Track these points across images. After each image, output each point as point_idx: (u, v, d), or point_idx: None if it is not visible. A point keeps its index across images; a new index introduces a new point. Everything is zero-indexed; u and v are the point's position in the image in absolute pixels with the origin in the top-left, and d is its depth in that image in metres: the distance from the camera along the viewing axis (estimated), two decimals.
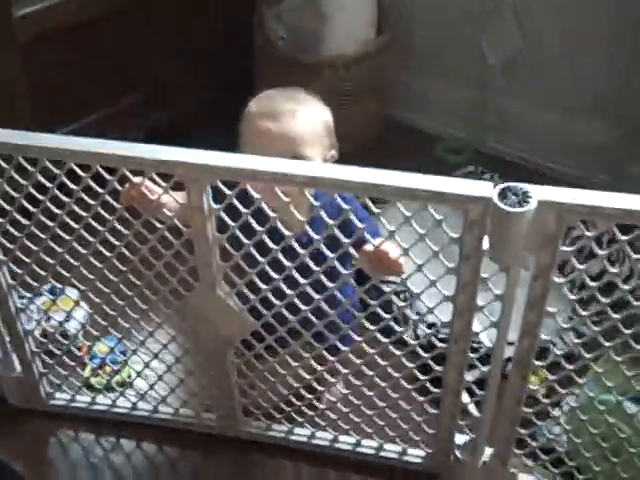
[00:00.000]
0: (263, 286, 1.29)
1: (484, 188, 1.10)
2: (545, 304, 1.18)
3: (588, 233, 1.10)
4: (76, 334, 1.66)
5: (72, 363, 1.56)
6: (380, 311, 1.26)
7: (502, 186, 1.09)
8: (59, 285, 1.47)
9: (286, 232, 1.21)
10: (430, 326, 1.65)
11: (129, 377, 1.63)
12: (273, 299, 1.29)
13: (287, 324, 1.31)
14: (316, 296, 1.26)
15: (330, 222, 1.17)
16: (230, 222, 1.23)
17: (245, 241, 1.23)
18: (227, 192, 1.19)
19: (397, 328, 1.30)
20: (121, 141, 1.20)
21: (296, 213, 1.18)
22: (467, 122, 2.50)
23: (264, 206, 1.19)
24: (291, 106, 1.39)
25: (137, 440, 1.58)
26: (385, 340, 1.31)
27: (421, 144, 2.51)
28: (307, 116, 1.39)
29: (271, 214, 1.20)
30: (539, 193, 1.08)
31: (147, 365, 1.53)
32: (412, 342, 1.33)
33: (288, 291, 1.27)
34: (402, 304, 1.70)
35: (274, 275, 1.26)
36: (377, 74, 2.43)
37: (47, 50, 1.98)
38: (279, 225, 1.20)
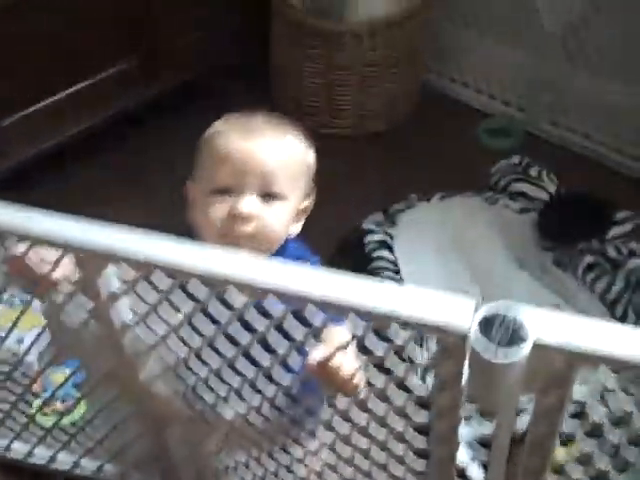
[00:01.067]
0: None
1: (461, 315, 0.77)
2: (552, 444, 0.87)
3: None
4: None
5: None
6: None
7: (486, 314, 0.76)
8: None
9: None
10: None
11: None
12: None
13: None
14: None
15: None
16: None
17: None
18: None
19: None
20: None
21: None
22: (517, 97, 2.11)
23: None
24: (276, 130, 1.10)
25: None
26: None
27: (462, 121, 2.14)
28: (294, 147, 1.11)
29: None
30: (537, 330, 0.74)
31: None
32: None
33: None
34: None
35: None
36: (411, 39, 2.06)
37: None
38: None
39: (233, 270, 0.83)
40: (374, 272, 1.60)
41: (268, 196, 1.07)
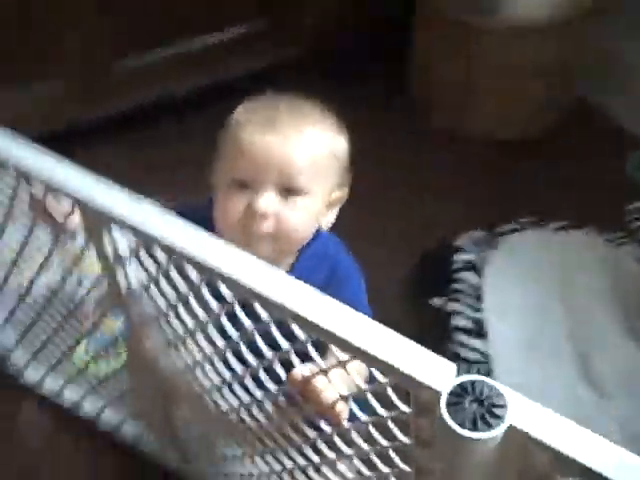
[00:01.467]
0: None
1: (437, 373, 0.67)
2: None
3: None
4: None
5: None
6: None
7: (463, 379, 0.66)
8: None
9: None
10: None
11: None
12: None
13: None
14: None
15: None
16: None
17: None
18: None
19: None
20: None
21: None
22: None
23: None
24: (298, 120, 1.01)
25: None
26: None
27: (612, 146, 1.93)
28: (317, 138, 1.01)
29: None
30: (515, 410, 0.64)
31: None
32: None
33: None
34: None
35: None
36: (566, 47, 1.87)
37: None
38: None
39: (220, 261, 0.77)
40: (452, 295, 1.48)
41: (289, 192, 0.99)
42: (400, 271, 1.60)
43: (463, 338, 1.41)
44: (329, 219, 1.07)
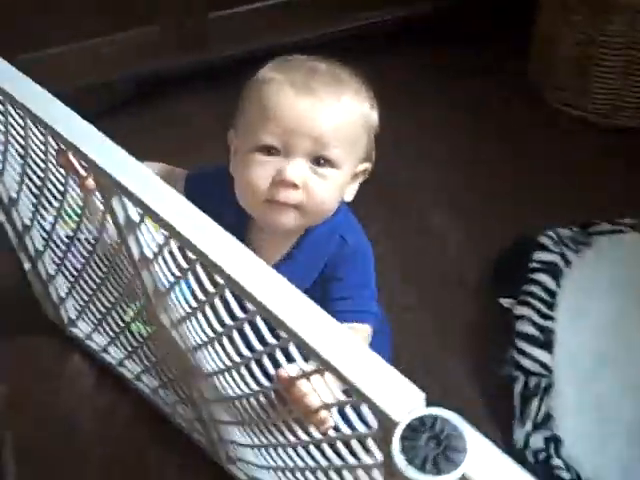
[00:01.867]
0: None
1: (401, 401, 0.60)
2: None
3: None
4: None
5: None
6: None
7: (426, 412, 0.58)
8: None
9: None
10: None
11: None
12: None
13: None
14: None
15: None
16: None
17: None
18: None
19: None
20: None
21: None
22: None
23: None
24: (336, 87, 0.95)
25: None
26: None
27: None
28: (355, 108, 0.95)
29: None
30: (473, 458, 0.56)
31: None
32: None
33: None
34: None
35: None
36: None
37: None
38: None
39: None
40: (524, 296, 1.37)
41: (320, 161, 0.93)
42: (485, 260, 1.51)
43: (525, 346, 1.31)
44: (352, 192, 1.01)
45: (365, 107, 0.97)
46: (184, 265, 0.81)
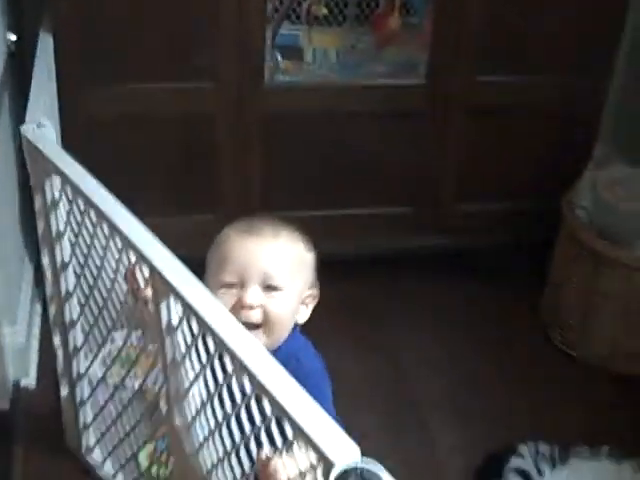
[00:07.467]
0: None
1: (340, 451, 0.78)
2: None
3: None
4: None
5: None
6: None
7: (355, 465, 0.76)
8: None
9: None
10: None
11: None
12: None
13: None
14: None
15: None
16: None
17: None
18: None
19: None
20: None
21: None
22: None
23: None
24: (275, 228, 1.26)
25: None
26: None
27: None
28: (290, 242, 1.26)
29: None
30: None
31: None
32: None
33: None
34: None
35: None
36: None
37: None
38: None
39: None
40: None
41: (269, 288, 1.20)
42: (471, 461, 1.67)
43: None
44: (304, 315, 1.27)
45: (300, 246, 1.26)
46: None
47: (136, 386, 1.42)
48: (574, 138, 2.01)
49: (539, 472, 1.58)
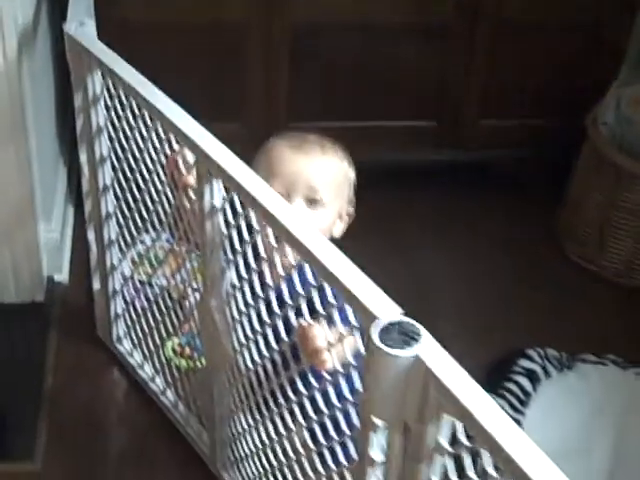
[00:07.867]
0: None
1: (385, 308, 0.86)
2: None
3: None
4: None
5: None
6: None
7: (397, 319, 0.84)
8: None
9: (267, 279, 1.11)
10: None
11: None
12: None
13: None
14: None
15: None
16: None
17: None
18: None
19: None
20: None
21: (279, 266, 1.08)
22: None
23: (260, 243, 1.10)
24: (322, 146, 1.33)
25: None
26: None
27: None
28: (336, 160, 1.34)
29: (263, 254, 1.11)
30: (425, 347, 0.81)
31: None
32: None
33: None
34: None
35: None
36: None
37: None
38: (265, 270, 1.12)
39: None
40: (501, 390, 1.60)
41: (313, 202, 1.29)
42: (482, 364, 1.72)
43: None
44: (340, 229, 1.35)
45: (345, 165, 1.34)
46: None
47: (164, 283, 1.52)
48: (600, 59, 2.03)
49: (546, 373, 1.67)
